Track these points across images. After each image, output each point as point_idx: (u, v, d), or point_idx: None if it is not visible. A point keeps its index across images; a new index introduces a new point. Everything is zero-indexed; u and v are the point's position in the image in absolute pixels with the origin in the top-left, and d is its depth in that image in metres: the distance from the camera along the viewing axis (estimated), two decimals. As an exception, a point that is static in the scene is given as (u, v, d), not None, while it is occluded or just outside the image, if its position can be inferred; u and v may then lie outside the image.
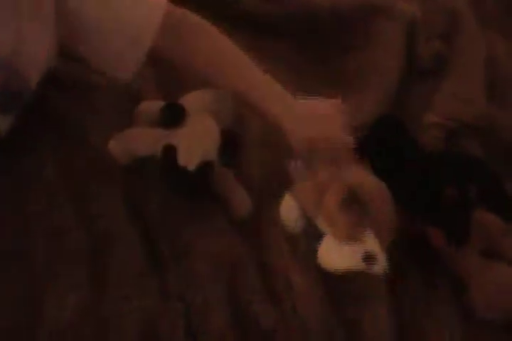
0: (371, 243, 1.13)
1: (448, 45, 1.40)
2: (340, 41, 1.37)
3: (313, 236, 1.16)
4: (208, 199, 1.21)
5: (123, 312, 1.09)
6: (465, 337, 1.16)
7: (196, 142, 1.18)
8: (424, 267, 1.22)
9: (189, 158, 1.16)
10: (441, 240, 1.20)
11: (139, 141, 1.21)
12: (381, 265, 1.12)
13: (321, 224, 1.14)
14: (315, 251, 1.16)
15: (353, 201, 1.12)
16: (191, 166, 1.16)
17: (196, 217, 1.19)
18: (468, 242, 1.19)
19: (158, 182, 1.20)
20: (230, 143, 1.21)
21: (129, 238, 1.16)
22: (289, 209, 1.18)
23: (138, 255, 1.15)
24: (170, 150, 1.17)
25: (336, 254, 1.15)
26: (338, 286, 1.18)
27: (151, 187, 1.21)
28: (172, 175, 1.18)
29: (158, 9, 1.15)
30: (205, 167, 1.17)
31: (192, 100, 1.24)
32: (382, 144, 1.24)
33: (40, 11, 1.09)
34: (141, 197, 1.21)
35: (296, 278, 1.16)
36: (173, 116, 1.20)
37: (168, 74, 1.33)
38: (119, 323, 1.08)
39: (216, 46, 1.18)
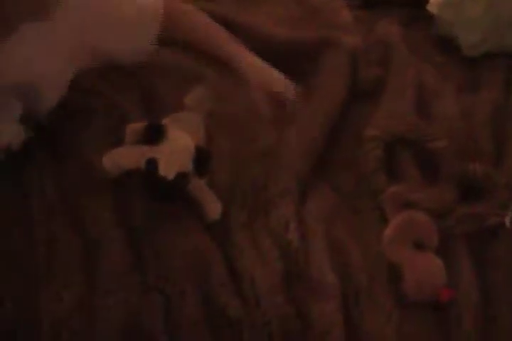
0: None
1: (384, 70, 1.64)
2: (293, 69, 1.59)
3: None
4: (185, 204, 1.37)
5: (109, 304, 1.23)
6: (401, 317, 1.33)
7: (174, 156, 1.36)
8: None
9: (168, 170, 1.34)
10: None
11: (126, 156, 1.37)
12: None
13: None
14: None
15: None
16: (170, 176, 1.34)
17: (174, 221, 1.35)
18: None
19: (142, 191, 1.36)
20: (203, 157, 1.38)
21: (115, 242, 1.31)
22: None
23: (122, 256, 1.29)
24: (152, 163, 1.33)
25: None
26: (296, 281, 1.33)
27: (135, 196, 1.37)
28: (153, 184, 1.34)
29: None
30: (182, 177, 1.35)
31: (172, 121, 1.42)
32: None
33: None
34: (127, 205, 1.36)
35: (259, 275, 1.29)
36: (155, 134, 1.36)
37: (151, 98, 1.52)
38: (106, 314, 1.22)
39: (201, 22, 1.54)
